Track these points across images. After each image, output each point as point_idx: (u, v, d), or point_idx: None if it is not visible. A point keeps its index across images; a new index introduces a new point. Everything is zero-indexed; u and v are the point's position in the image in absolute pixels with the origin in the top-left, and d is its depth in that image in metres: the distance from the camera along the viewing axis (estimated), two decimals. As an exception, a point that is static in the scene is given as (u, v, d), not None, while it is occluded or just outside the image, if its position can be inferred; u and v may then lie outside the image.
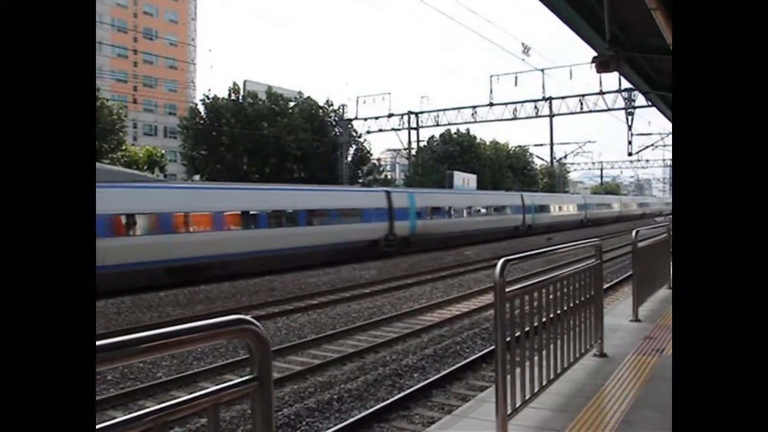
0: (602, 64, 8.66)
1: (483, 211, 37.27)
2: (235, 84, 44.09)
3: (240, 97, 43.75)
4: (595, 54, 8.96)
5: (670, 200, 43.07)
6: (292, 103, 45.27)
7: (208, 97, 43.05)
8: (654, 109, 19.67)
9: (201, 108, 43.37)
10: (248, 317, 1.96)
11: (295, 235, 23.39)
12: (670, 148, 62.63)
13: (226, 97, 43.26)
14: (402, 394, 7.70)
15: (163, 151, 37.57)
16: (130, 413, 1.47)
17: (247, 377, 1.94)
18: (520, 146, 72.27)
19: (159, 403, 1.73)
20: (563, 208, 50.09)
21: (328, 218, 25.36)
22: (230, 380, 1.97)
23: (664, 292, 9.39)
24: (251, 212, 22.32)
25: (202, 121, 42.11)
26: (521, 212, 40.15)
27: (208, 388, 1.91)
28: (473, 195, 40.09)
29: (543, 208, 43.79)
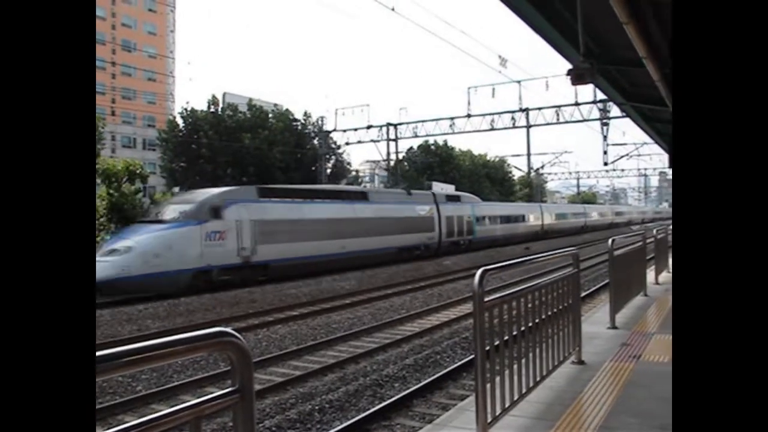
0: (577, 77, 8.78)
1: (575, 216, 63.20)
2: (213, 96, 43.95)
3: (219, 109, 43.60)
4: (571, 66, 9.09)
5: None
6: (270, 115, 45.22)
7: (186, 109, 42.86)
8: (628, 119, 19.92)
9: (179, 120, 43.16)
10: (229, 329, 1.96)
11: (518, 227, 46.16)
12: (645, 158, 63.55)
13: (205, 109, 43.10)
14: (383, 404, 7.70)
15: (143, 164, 37.23)
16: (109, 429, 1.47)
17: (229, 389, 1.94)
18: (498, 157, 72.90)
19: (139, 418, 1.71)
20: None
21: (525, 219, 48.73)
22: (211, 393, 1.97)
23: (640, 299, 9.52)
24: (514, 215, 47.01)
25: (181, 134, 41.89)
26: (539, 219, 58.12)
27: (189, 401, 1.91)
28: (571, 206, 68.78)
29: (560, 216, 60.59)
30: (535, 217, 50.95)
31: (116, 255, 18.73)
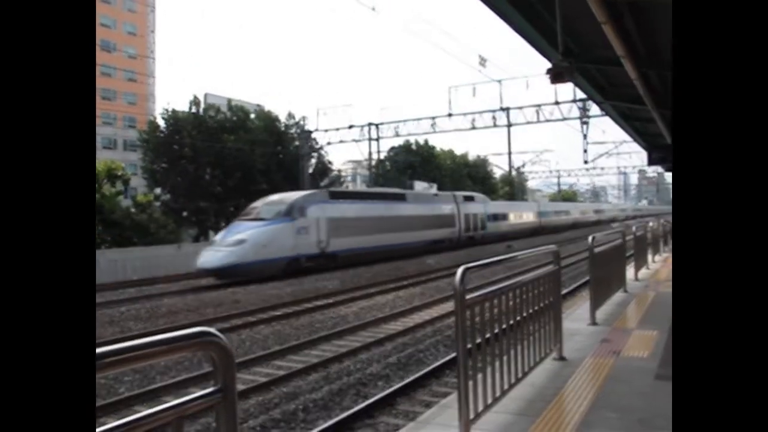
0: (556, 76, 8.84)
1: (567, 214, 69.89)
2: (195, 97, 43.60)
3: (201, 110, 43.26)
4: (550, 65, 9.15)
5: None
6: (252, 116, 44.96)
7: (167, 110, 42.49)
8: (608, 118, 20.09)
9: (161, 121, 42.80)
10: (211, 329, 1.96)
11: (520, 223, 51.83)
12: (624, 156, 63.98)
13: (186, 110, 42.75)
14: (367, 402, 7.73)
15: (124, 165, 36.79)
16: (91, 431, 1.48)
17: (211, 389, 1.94)
18: (479, 156, 73.15)
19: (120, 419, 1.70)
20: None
21: (526, 216, 54.26)
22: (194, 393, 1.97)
23: (620, 296, 9.61)
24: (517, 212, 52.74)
25: (162, 134, 41.53)
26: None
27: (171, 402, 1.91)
28: (564, 204, 75.53)
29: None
30: (534, 214, 56.65)
31: (234, 246, 22.93)
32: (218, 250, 23.14)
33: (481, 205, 43.94)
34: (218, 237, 24.87)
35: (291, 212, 25.30)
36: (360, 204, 30.49)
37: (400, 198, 34.80)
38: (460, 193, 43.14)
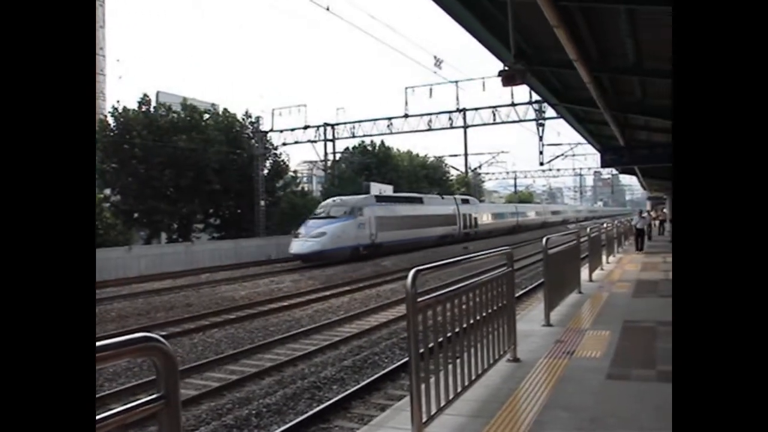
0: (508, 78, 8.87)
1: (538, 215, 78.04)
2: (145, 95, 42.68)
3: (151, 109, 42.38)
4: (503, 68, 9.19)
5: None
6: (206, 116, 44.23)
7: (116, 108, 41.52)
8: (563, 120, 20.37)
9: (110, 120, 41.80)
10: (153, 334, 1.90)
11: (503, 222, 59.05)
12: (580, 158, 65.06)
13: (136, 108, 41.81)
14: (321, 406, 7.67)
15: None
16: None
17: (154, 396, 1.89)
18: (436, 157, 73.49)
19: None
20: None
21: (508, 216, 62.80)
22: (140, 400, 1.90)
23: (575, 297, 9.74)
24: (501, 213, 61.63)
25: (112, 134, 40.55)
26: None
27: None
28: (536, 206, 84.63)
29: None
30: (513, 215, 65.58)
31: (318, 237, 29.73)
32: (306, 241, 29.96)
33: (474, 207, 52.01)
34: (302, 231, 31.19)
35: (353, 212, 32.72)
36: (396, 205, 38.14)
37: (419, 201, 42.66)
38: (459, 197, 51.34)
